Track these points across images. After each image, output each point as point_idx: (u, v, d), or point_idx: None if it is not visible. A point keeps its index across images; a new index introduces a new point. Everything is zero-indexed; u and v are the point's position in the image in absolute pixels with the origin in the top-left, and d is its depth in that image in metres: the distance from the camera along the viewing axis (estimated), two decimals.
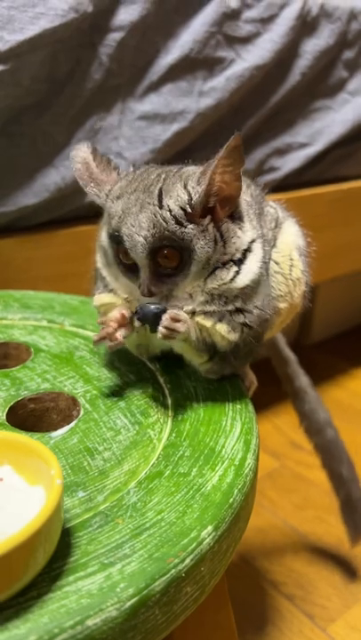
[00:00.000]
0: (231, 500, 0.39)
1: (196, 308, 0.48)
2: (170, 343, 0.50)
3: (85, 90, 0.80)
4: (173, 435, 0.46)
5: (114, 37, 0.80)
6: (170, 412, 0.49)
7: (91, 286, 0.57)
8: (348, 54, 1.09)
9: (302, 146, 1.07)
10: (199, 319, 0.48)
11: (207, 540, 0.36)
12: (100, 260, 0.52)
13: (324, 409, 0.80)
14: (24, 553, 0.30)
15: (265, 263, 0.50)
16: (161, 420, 0.48)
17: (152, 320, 0.46)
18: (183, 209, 0.45)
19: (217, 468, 0.42)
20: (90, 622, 0.30)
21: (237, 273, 0.47)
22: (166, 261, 0.46)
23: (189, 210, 0.45)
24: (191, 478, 0.41)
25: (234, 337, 0.49)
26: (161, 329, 0.45)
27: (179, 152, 0.89)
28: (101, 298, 0.53)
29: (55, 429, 0.47)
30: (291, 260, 0.54)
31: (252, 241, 0.48)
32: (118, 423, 0.47)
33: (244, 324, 0.49)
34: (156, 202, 0.45)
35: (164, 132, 0.87)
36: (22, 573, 0.30)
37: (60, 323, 0.65)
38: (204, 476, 0.41)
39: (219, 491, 0.40)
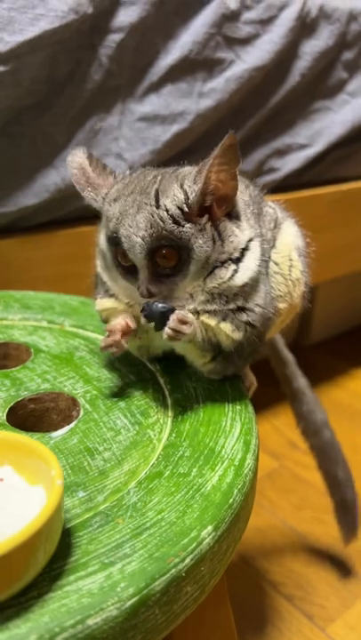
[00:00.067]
0: (231, 500, 0.40)
1: (197, 308, 0.48)
2: (173, 344, 0.51)
3: (85, 91, 0.80)
4: (173, 435, 0.46)
5: (114, 38, 0.80)
6: (170, 413, 0.50)
7: (92, 291, 0.57)
8: (348, 55, 1.09)
9: (302, 147, 1.07)
10: (204, 318, 0.48)
11: (207, 539, 0.36)
12: (99, 265, 0.52)
13: (322, 410, 0.80)
14: (25, 553, 0.30)
15: (264, 261, 0.50)
16: (161, 421, 0.48)
17: (158, 318, 0.46)
18: (180, 208, 0.45)
19: (217, 469, 0.42)
20: (90, 621, 0.30)
21: (236, 271, 0.47)
22: (165, 261, 0.46)
23: (186, 209, 0.45)
24: (191, 478, 0.41)
25: (238, 336, 0.49)
26: (167, 330, 0.45)
27: (179, 153, 0.90)
28: (103, 303, 0.53)
29: (55, 430, 0.47)
30: (290, 260, 0.54)
31: (250, 240, 0.49)
32: (118, 423, 0.48)
33: (248, 323, 0.49)
34: (153, 202, 0.45)
35: (164, 133, 0.87)
36: (23, 573, 0.30)
37: (60, 323, 0.65)
38: (203, 476, 0.41)
39: (218, 491, 0.40)
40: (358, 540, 0.85)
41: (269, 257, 0.53)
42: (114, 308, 0.52)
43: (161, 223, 0.45)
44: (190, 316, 0.47)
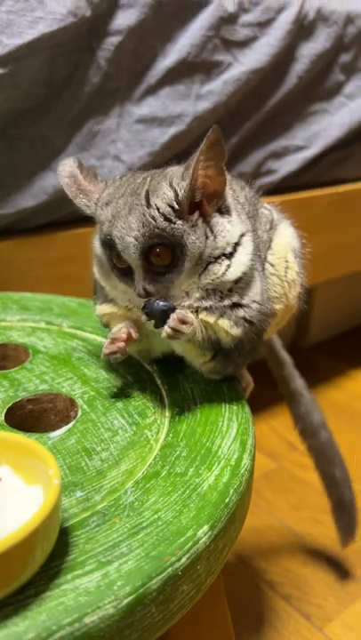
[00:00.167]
0: (227, 499, 0.40)
1: (193, 304, 0.48)
2: (172, 344, 0.51)
3: (83, 93, 0.81)
4: (170, 435, 0.47)
5: (112, 41, 0.80)
6: (167, 413, 0.50)
7: (92, 296, 0.58)
8: (345, 58, 1.09)
9: (299, 149, 1.07)
10: (202, 316, 0.48)
11: (203, 539, 0.36)
12: (97, 271, 0.53)
13: (319, 411, 0.80)
14: (22, 551, 0.30)
15: (257, 257, 0.50)
16: (158, 421, 0.49)
17: (159, 316, 0.47)
18: (171, 206, 0.46)
19: (213, 468, 0.42)
20: (87, 620, 0.30)
21: (229, 267, 0.48)
22: (159, 260, 0.47)
23: (177, 206, 0.46)
24: (188, 478, 0.41)
25: (237, 332, 0.49)
26: (167, 329, 0.46)
27: (176, 155, 0.90)
28: (102, 308, 0.54)
29: (53, 430, 0.47)
30: (286, 261, 0.54)
31: (242, 234, 0.49)
32: (116, 424, 0.48)
33: (245, 319, 0.49)
34: (143, 202, 0.46)
35: (162, 136, 0.87)
36: (21, 571, 0.31)
37: (59, 324, 0.65)
38: (200, 476, 0.42)
39: (215, 490, 0.40)
40: (356, 540, 0.86)
41: (265, 258, 0.53)
42: (113, 312, 0.53)
43: (153, 222, 0.45)
44: (190, 316, 0.47)
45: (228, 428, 0.48)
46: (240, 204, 0.52)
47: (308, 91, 1.07)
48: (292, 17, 0.97)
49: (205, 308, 0.48)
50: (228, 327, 0.49)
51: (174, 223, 0.46)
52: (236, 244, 0.49)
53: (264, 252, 0.54)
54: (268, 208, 0.57)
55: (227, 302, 0.48)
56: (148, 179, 0.48)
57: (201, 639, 0.51)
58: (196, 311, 0.48)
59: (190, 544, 0.36)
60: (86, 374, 0.55)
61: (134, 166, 0.85)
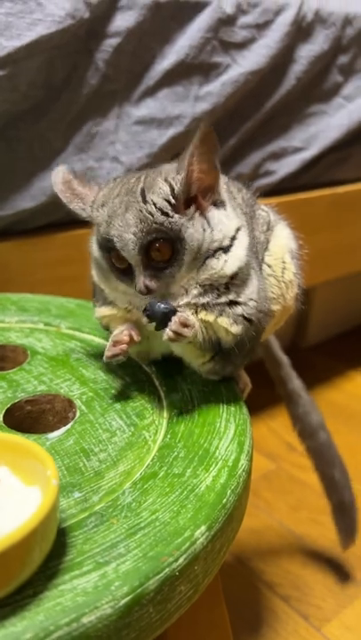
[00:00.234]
0: (224, 500, 0.40)
1: (191, 301, 0.48)
2: (172, 344, 0.51)
3: (82, 95, 0.81)
4: (168, 436, 0.47)
5: (110, 43, 0.81)
6: (165, 414, 0.50)
7: (92, 298, 0.58)
8: (343, 59, 1.10)
9: (298, 150, 1.08)
10: (202, 315, 0.48)
11: (201, 539, 0.37)
12: (95, 275, 0.53)
13: (318, 412, 0.80)
14: (20, 551, 0.30)
15: (253, 253, 0.51)
16: (156, 422, 0.49)
17: (160, 318, 0.47)
18: (167, 200, 0.46)
19: (211, 469, 0.43)
20: (85, 620, 0.30)
21: (226, 261, 0.48)
22: (159, 255, 0.47)
23: (173, 200, 0.46)
24: (185, 479, 0.42)
25: (236, 329, 0.49)
26: (169, 332, 0.46)
27: (175, 156, 0.90)
28: (101, 311, 0.54)
29: (51, 431, 0.47)
30: (283, 262, 0.54)
31: (238, 228, 0.49)
32: (114, 425, 0.48)
33: (244, 317, 0.49)
34: (139, 199, 0.46)
35: (161, 137, 0.87)
36: (19, 572, 0.31)
37: (57, 325, 0.65)
38: (198, 477, 0.42)
39: (212, 491, 0.40)
40: (356, 543, 0.86)
41: (263, 259, 0.53)
42: (113, 314, 0.53)
43: (150, 217, 0.46)
44: (192, 319, 0.47)
45: (225, 428, 0.48)
46: (234, 199, 0.52)
47: (307, 92, 1.07)
48: (291, 19, 0.97)
49: (204, 306, 0.48)
50: (228, 325, 0.49)
51: (172, 217, 0.46)
52: (233, 238, 0.49)
53: (261, 254, 0.54)
54: (265, 209, 0.58)
55: (224, 299, 0.49)
56: (142, 177, 0.49)
57: (199, 639, 0.51)
58: (196, 311, 0.48)
59: (188, 544, 0.36)
60: (84, 375, 0.55)
61: (133, 167, 0.85)
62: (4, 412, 0.49)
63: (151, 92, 0.87)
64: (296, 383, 0.79)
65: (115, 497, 0.40)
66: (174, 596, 0.35)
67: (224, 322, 0.49)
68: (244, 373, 0.58)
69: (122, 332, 0.51)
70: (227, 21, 0.91)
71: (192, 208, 0.47)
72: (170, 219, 0.46)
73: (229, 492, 0.41)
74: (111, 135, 0.85)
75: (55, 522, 0.34)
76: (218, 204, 0.49)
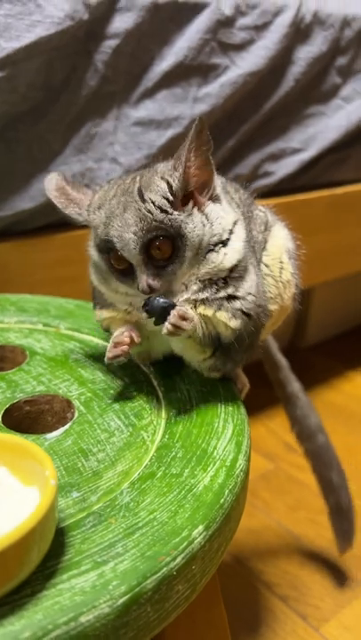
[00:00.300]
0: (222, 500, 0.40)
1: (190, 297, 0.49)
2: (172, 341, 0.51)
3: (81, 96, 0.81)
4: (166, 436, 0.47)
5: (109, 45, 0.81)
6: (163, 414, 0.50)
7: (92, 300, 0.58)
8: (342, 61, 1.10)
9: (296, 151, 1.08)
10: (201, 310, 0.49)
11: (198, 539, 0.37)
12: (95, 278, 0.53)
13: (316, 414, 0.80)
14: (19, 551, 0.30)
15: (250, 246, 0.51)
16: (154, 422, 0.49)
17: (159, 313, 0.47)
18: (165, 197, 0.46)
19: (209, 469, 0.43)
20: (83, 619, 0.31)
21: (226, 254, 0.49)
22: (159, 253, 0.47)
23: (171, 197, 0.46)
24: (183, 479, 0.42)
25: (235, 324, 0.49)
26: (168, 325, 0.46)
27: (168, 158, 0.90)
28: (102, 313, 0.55)
29: (50, 431, 0.47)
30: (281, 262, 0.55)
31: (235, 222, 0.50)
32: (112, 425, 0.48)
33: (242, 312, 0.49)
34: (137, 198, 0.46)
35: (159, 138, 0.88)
36: (17, 571, 0.31)
37: (56, 326, 0.65)
38: (195, 477, 0.42)
39: (210, 491, 0.41)
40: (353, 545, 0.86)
41: (260, 259, 0.54)
42: (113, 316, 0.53)
43: (150, 215, 0.46)
44: (190, 312, 0.47)
45: (223, 429, 0.48)
46: (232, 199, 0.52)
47: (305, 93, 1.07)
48: (289, 20, 0.98)
49: (203, 301, 0.49)
50: (227, 319, 0.49)
51: (171, 214, 0.46)
52: (231, 231, 0.49)
53: (259, 253, 0.54)
54: (262, 210, 0.58)
55: (222, 294, 0.49)
56: (138, 177, 0.49)
57: (197, 638, 0.51)
58: (195, 306, 0.49)
59: (185, 544, 0.36)
60: (83, 376, 0.55)
61: (132, 169, 0.86)
62: (2, 412, 0.49)
63: (150, 93, 0.87)
64: (295, 385, 0.79)
65: (113, 497, 0.40)
66: (172, 595, 0.35)
67: (223, 316, 0.49)
68: (242, 373, 0.59)
69: (122, 333, 0.51)
70: (225, 23, 0.92)
71: (190, 204, 0.47)
72: (169, 216, 0.46)
73: (227, 491, 0.41)
74: (110, 136, 0.85)
75: (53, 522, 0.34)
76: (214, 198, 0.49)
